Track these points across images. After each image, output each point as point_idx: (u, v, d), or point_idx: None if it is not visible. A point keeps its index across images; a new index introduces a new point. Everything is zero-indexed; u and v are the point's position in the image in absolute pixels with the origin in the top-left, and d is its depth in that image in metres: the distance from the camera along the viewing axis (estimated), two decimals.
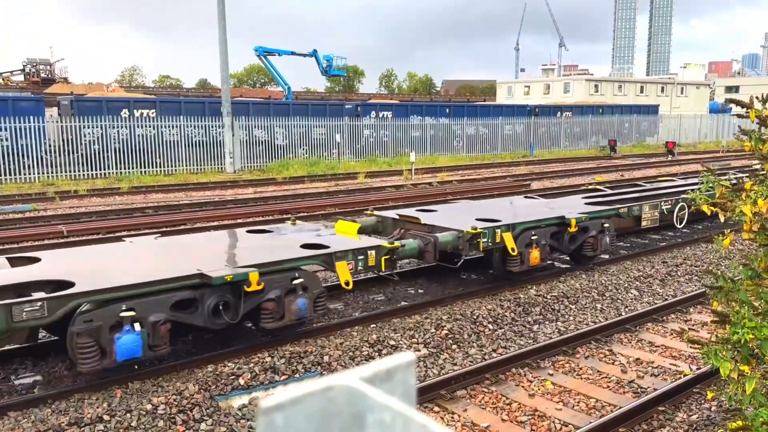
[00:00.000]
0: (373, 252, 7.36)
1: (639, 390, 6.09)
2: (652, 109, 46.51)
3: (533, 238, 8.77)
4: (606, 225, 9.78)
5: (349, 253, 7.16)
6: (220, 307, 6.14)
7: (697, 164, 26.24)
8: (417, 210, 9.91)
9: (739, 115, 4.75)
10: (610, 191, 13.00)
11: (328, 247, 7.25)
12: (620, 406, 5.66)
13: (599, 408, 5.72)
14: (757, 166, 4.79)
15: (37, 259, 6.78)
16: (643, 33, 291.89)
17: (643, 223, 10.95)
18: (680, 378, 6.19)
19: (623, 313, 8.27)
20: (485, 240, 8.29)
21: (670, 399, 5.75)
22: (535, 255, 8.77)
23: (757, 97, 4.49)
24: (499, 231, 8.46)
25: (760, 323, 4.16)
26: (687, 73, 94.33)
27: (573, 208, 10.13)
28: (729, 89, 78.66)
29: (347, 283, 7.10)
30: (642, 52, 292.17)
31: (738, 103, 4.69)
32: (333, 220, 11.79)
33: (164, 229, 12.57)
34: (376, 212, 9.73)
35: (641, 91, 66.90)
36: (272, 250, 7.10)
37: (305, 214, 14.81)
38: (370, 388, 0.44)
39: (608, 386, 6.19)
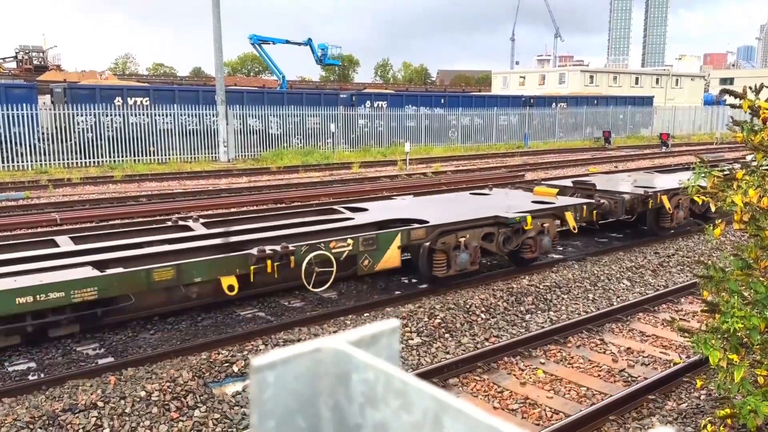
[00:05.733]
0: (585, 207, 9.99)
1: (629, 379, 6.15)
2: (647, 101, 46.58)
3: None
4: None
5: (571, 207, 9.75)
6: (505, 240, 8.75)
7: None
8: (573, 182, 12.04)
9: (733, 105, 4.77)
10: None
11: (553, 204, 9.78)
12: (611, 394, 5.72)
13: (590, 396, 5.78)
14: (750, 157, 4.83)
15: (365, 209, 9.39)
16: (638, 25, 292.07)
17: None
18: (670, 367, 6.25)
19: (615, 303, 8.33)
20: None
21: (660, 387, 5.81)
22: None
23: (750, 88, 4.51)
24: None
25: (749, 313, 4.21)
26: (682, 64, 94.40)
27: None
28: (724, 81, 78.77)
29: (575, 228, 9.72)
30: (637, 44, 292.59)
31: (731, 93, 4.72)
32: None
33: (159, 217, 12.55)
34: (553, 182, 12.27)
35: (636, 83, 66.96)
36: (520, 204, 9.66)
37: (300, 203, 14.81)
38: (355, 350, 0.46)
39: (599, 375, 6.25)
